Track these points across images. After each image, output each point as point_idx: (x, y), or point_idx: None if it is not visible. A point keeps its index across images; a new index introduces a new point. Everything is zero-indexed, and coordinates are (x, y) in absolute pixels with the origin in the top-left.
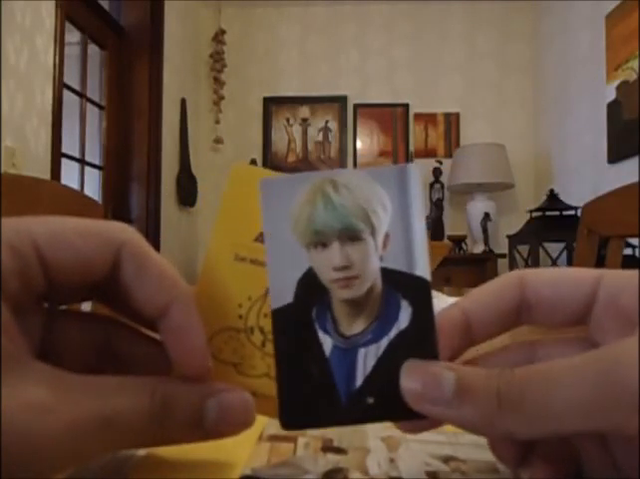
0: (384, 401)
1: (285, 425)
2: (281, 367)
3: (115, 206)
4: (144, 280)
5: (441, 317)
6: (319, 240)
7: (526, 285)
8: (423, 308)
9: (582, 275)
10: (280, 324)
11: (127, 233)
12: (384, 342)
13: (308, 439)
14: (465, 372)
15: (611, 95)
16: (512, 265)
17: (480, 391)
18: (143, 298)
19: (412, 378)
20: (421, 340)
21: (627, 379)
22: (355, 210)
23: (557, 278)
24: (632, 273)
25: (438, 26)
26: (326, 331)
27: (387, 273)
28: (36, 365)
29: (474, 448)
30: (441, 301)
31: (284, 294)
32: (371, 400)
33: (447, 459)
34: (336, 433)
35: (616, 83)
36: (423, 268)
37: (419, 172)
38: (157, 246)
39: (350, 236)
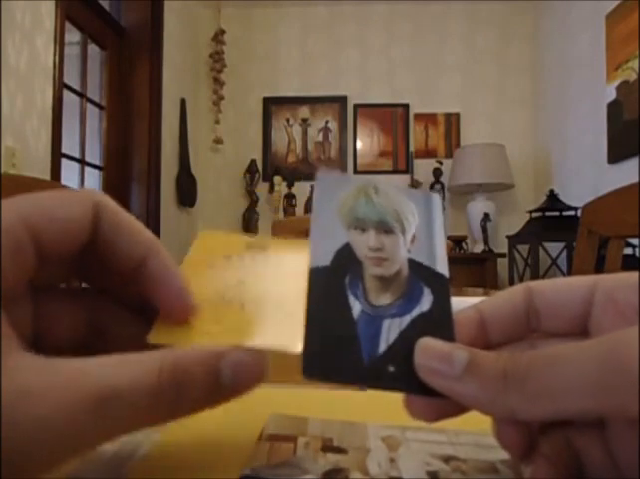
0: (403, 373)
1: (306, 373)
2: (310, 320)
3: None
4: (120, 235)
5: (458, 315)
6: (358, 225)
7: (533, 293)
8: (442, 299)
9: (581, 281)
10: (315, 283)
11: (99, 194)
12: (406, 319)
13: (308, 439)
14: (475, 352)
15: (611, 95)
16: (512, 265)
17: (487, 369)
18: (120, 252)
19: (425, 353)
20: (439, 324)
21: (631, 361)
22: (390, 210)
23: (559, 285)
24: (627, 274)
25: (438, 26)
26: (356, 297)
27: (412, 264)
28: (25, 355)
29: (474, 448)
30: None
31: (323, 258)
32: (392, 369)
33: (447, 459)
34: (336, 433)
35: (616, 83)
36: (442, 267)
37: (440, 199)
38: None
39: (384, 227)
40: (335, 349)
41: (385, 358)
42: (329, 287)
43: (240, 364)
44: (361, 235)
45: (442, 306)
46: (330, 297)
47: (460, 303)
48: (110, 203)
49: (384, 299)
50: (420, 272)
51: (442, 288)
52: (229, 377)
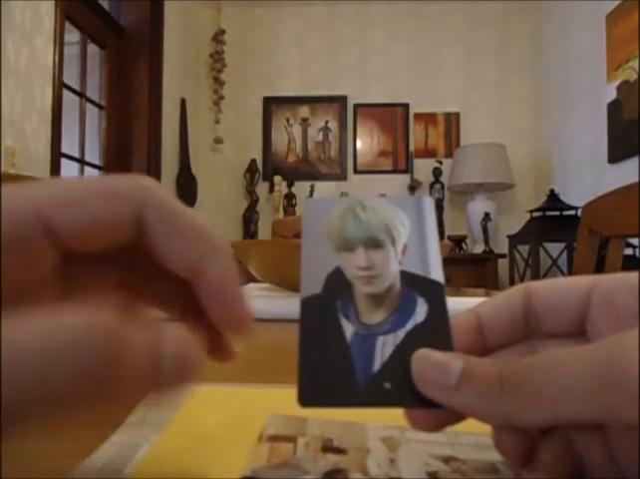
0: (400, 387)
1: (303, 402)
2: (303, 349)
3: None
4: (174, 240)
5: (455, 319)
6: (347, 246)
7: (531, 294)
8: (438, 306)
9: (578, 281)
10: (307, 311)
11: (149, 189)
12: (401, 333)
13: (308, 439)
14: (471, 360)
15: (611, 95)
16: (512, 265)
17: (483, 377)
18: (174, 260)
19: (421, 364)
20: (436, 333)
21: (629, 366)
22: (378, 225)
23: (556, 285)
24: (625, 275)
25: (438, 26)
26: (348, 319)
27: (405, 276)
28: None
29: (474, 448)
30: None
31: (313, 286)
32: (388, 385)
33: (447, 459)
34: (336, 433)
35: (616, 83)
36: (437, 274)
37: (432, 201)
38: None
39: (373, 244)
40: (329, 374)
41: (380, 375)
42: (320, 314)
43: (185, 345)
44: (350, 255)
45: (438, 314)
46: (321, 323)
47: (462, 304)
48: (161, 199)
49: (377, 317)
50: (413, 283)
51: (437, 295)
52: (172, 360)
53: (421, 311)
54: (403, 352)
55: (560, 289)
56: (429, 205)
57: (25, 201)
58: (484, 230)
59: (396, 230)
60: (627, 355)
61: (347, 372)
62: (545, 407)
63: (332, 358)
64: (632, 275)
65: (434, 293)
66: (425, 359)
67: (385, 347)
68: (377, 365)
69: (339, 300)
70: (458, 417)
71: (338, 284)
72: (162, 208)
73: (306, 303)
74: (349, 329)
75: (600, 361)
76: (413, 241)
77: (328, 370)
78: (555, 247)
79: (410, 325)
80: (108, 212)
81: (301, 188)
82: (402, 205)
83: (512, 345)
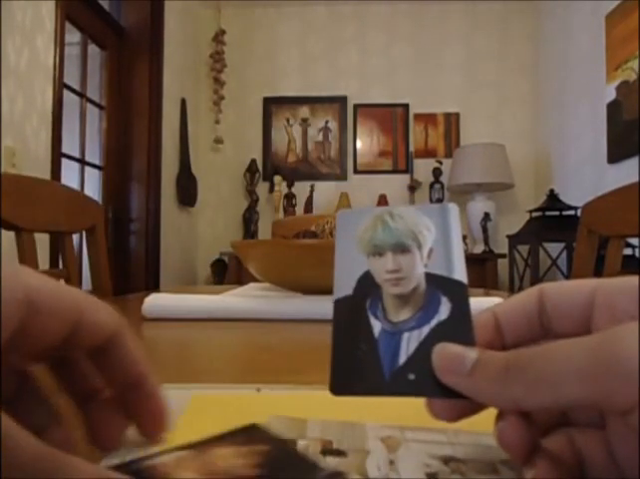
0: (423, 379)
1: (334, 391)
2: (336, 345)
3: (115, 206)
4: (123, 358)
5: (474, 318)
6: (377, 252)
7: (544, 295)
8: (460, 304)
9: (585, 283)
10: (339, 311)
11: (123, 320)
12: (425, 329)
13: (308, 442)
14: (484, 351)
15: (611, 95)
16: (512, 265)
17: (493, 364)
18: (115, 376)
19: (441, 354)
20: (458, 329)
21: (620, 353)
22: (406, 231)
23: (565, 287)
24: (627, 279)
25: (438, 26)
26: (376, 317)
27: (430, 277)
28: None
29: (474, 448)
30: None
31: (345, 288)
32: (412, 377)
33: (447, 460)
34: (336, 435)
35: (616, 83)
36: (460, 274)
37: (457, 207)
38: (157, 246)
39: (401, 249)
40: (359, 367)
41: (405, 368)
42: (351, 313)
43: None
44: (379, 259)
45: (460, 312)
46: (352, 322)
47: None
48: (128, 331)
49: (403, 315)
50: (437, 283)
51: (460, 294)
52: None
53: (444, 310)
54: (426, 347)
55: (568, 291)
56: (453, 212)
57: (75, 296)
58: (484, 229)
59: (422, 235)
60: (620, 344)
61: (375, 365)
62: (546, 390)
63: (361, 353)
64: (633, 279)
65: (457, 293)
66: (443, 351)
67: (410, 343)
68: (402, 359)
69: (368, 301)
70: (474, 407)
71: (368, 287)
72: (127, 339)
73: (339, 304)
74: (377, 327)
75: (595, 347)
76: (438, 245)
77: (357, 363)
78: (555, 247)
79: (434, 323)
80: (107, 323)
81: (301, 188)
82: (428, 212)
83: (529, 345)
